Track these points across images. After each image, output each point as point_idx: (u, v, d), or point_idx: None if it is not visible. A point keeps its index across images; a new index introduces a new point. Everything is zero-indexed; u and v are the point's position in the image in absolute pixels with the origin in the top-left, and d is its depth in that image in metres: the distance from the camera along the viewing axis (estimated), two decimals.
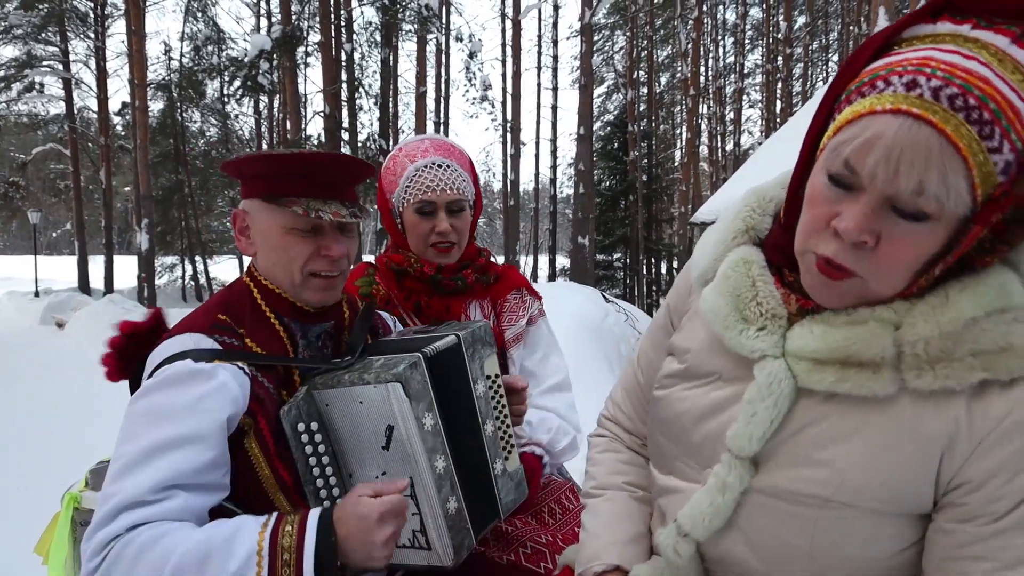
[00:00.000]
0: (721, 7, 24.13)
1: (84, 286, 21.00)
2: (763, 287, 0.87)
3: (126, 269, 23.28)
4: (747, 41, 25.65)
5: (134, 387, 1.23)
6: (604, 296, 6.32)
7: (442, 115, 20.98)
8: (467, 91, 20.63)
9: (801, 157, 0.82)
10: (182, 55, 21.53)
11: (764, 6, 23.53)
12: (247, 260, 1.32)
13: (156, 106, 21.26)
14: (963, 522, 0.76)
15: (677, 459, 0.97)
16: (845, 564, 0.81)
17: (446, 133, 21.76)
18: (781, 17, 21.27)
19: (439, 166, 1.59)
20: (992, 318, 0.72)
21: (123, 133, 23.73)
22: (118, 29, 23.83)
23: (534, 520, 1.49)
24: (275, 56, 13.98)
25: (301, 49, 15.94)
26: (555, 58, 22.04)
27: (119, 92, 29.50)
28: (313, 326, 1.29)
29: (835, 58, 27.03)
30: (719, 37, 24.46)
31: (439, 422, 1.16)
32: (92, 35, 20.71)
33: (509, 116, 20.45)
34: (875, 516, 0.79)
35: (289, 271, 1.22)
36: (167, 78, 21.20)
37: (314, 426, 1.16)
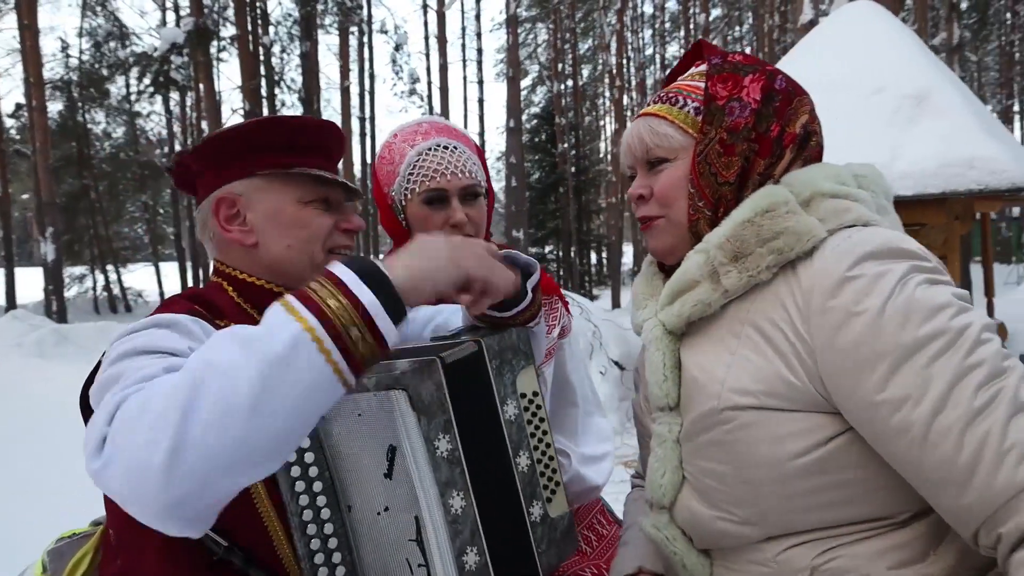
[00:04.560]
0: None
1: None
2: (651, 279, 1.13)
3: (30, 282, 21.68)
4: (666, 33, 26.11)
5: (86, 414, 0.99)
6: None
7: (367, 110, 20.44)
8: (395, 84, 20.16)
9: None
10: (81, 52, 20.22)
11: None
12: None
13: (55, 107, 19.87)
14: (865, 409, 0.86)
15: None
16: (769, 472, 0.90)
17: (372, 129, 21.20)
18: (699, 8, 21.71)
19: (445, 148, 1.36)
20: (764, 216, 0.94)
21: (19, 136, 22.04)
22: (8, 24, 22.12)
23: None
24: (186, 50, 13.22)
25: (215, 43, 15.15)
26: (479, 51, 21.80)
27: (12, 92, 27.50)
28: None
29: (747, 50, 27.92)
30: (639, 28, 24.79)
31: (458, 448, 0.92)
32: None
33: (438, 109, 20.09)
34: (766, 417, 0.90)
35: (309, 250, 1.09)
36: (66, 76, 19.82)
37: (305, 443, 0.95)
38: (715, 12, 24.76)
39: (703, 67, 1.07)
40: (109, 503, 1.02)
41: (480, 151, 1.47)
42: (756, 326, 0.94)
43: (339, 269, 0.79)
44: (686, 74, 1.10)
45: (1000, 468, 0.76)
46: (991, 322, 0.85)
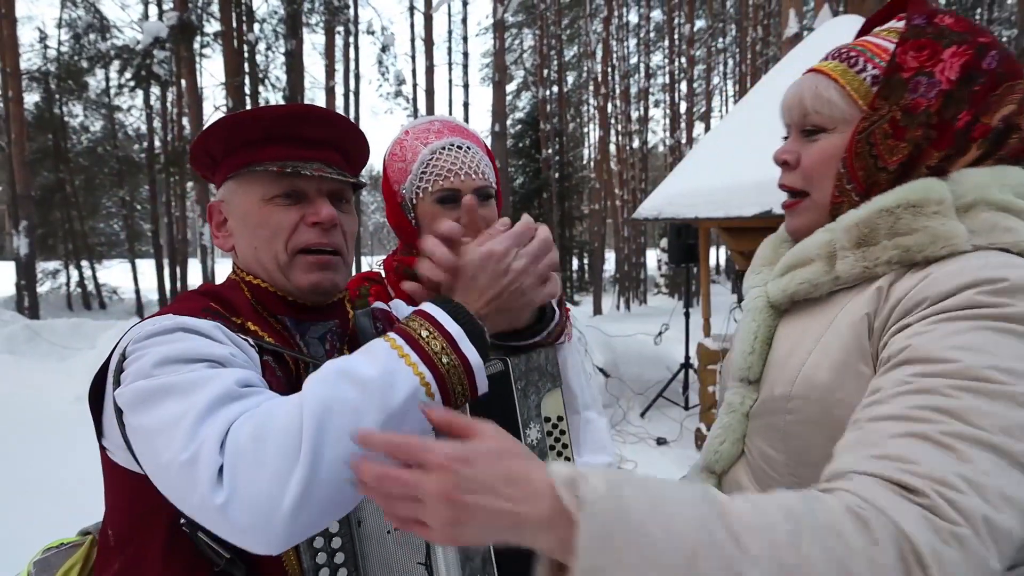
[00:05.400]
0: (624, 8, 24.59)
1: None
2: (779, 247, 1.05)
3: (2, 276, 21.22)
4: (650, 42, 26.29)
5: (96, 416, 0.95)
6: None
7: (352, 111, 20.29)
8: (380, 86, 20.03)
9: None
10: (60, 43, 19.85)
11: (666, 8, 24.17)
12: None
13: (31, 98, 19.47)
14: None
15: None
16: (816, 474, 0.82)
17: None
18: (683, 19, 21.90)
19: (459, 148, 1.34)
20: (908, 209, 0.83)
21: None
22: None
23: None
24: (169, 45, 13.04)
25: (198, 39, 14.97)
26: (465, 55, 21.78)
27: None
28: (312, 325, 1.06)
29: (730, 63, 28.19)
30: (624, 37, 24.94)
31: None
32: None
33: (423, 112, 20.02)
34: (832, 417, 0.84)
35: (273, 250, 1.00)
36: (44, 68, 19.45)
37: None
38: (699, 23, 24.99)
39: (903, 23, 0.91)
40: (110, 502, 0.98)
41: (490, 152, 1.44)
42: (850, 318, 0.86)
43: (448, 322, 0.82)
44: (883, 27, 0.94)
45: None
46: None
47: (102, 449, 0.96)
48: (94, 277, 22.30)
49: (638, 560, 0.58)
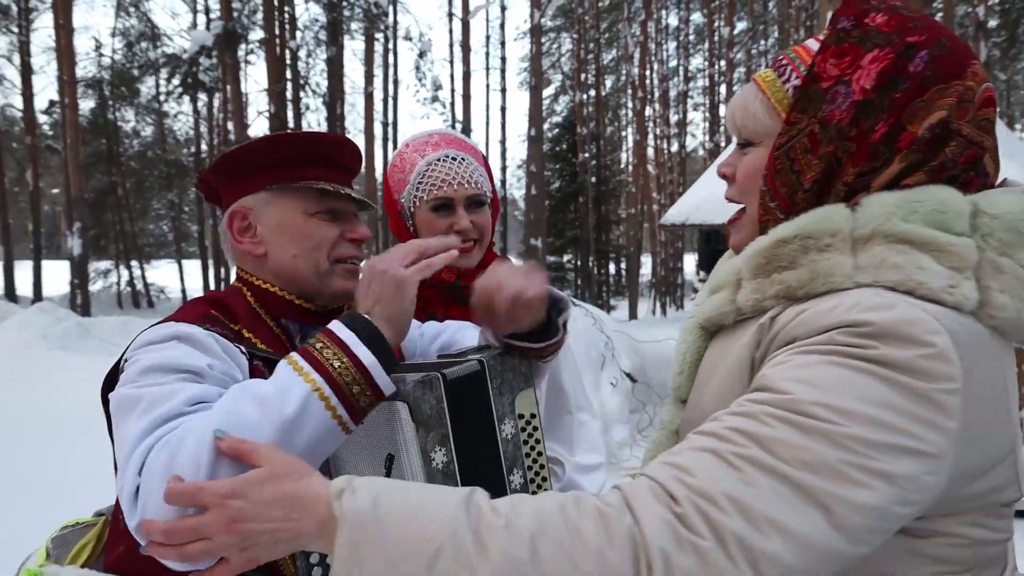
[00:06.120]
0: (664, 11, 24.45)
1: (11, 293, 19.81)
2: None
3: (56, 275, 22.10)
4: (690, 45, 26.08)
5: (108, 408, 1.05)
6: (571, 300, 6.22)
7: (391, 115, 20.62)
8: (417, 91, 20.33)
9: None
10: (114, 51, 20.64)
11: (706, 11, 23.97)
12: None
13: (87, 104, 20.29)
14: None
15: None
16: None
17: (395, 134, 21.40)
18: (723, 22, 21.69)
19: (453, 159, 1.43)
20: (804, 240, 0.78)
21: (51, 132, 22.52)
22: (44, 23, 22.58)
23: None
24: (215, 53, 13.46)
25: (243, 46, 15.40)
26: (503, 59, 21.94)
27: (46, 89, 28.09)
28: (312, 329, 1.14)
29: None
30: (663, 40, 24.79)
31: (453, 461, 0.97)
32: (15, 29, 19.56)
33: (460, 117, 20.23)
34: None
35: (315, 259, 1.13)
36: (98, 75, 20.24)
37: None
38: (740, 25, 24.71)
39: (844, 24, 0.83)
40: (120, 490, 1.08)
41: (487, 163, 1.53)
42: (739, 351, 0.83)
43: (340, 330, 0.90)
44: (825, 30, 0.86)
45: None
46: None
47: (112, 442, 1.07)
48: (143, 277, 23.08)
49: (383, 563, 0.66)
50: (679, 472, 0.68)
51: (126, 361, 0.99)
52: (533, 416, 1.11)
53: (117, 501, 1.11)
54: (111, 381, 1.04)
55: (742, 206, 0.92)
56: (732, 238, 0.95)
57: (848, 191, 0.81)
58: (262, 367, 1.06)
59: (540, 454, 1.13)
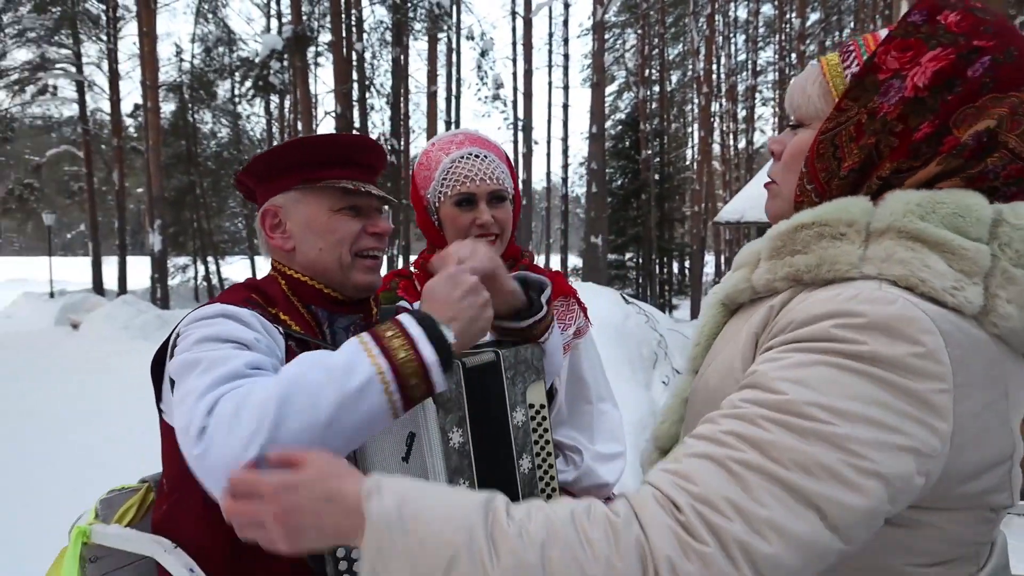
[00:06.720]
0: (733, 4, 23.91)
1: (98, 287, 21.08)
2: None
3: (139, 270, 23.37)
4: (759, 38, 25.41)
5: (157, 385, 1.17)
6: (624, 297, 6.19)
7: (453, 114, 20.89)
8: (479, 90, 20.52)
9: None
10: (193, 56, 21.63)
11: (776, 2, 23.29)
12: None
13: (168, 107, 21.35)
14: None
15: None
16: None
17: None
18: (794, 14, 21.02)
19: (476, 156, 1.49)
20: (820, 227, 0.80)
21: (135, 135, 23.82)
22: (130, 31, 23.90)
23: None
24: (285, 56, 13.95)
25: (312, 49, 15.90)
26: (566, 56, 21.90)
27: (131, 94, 29.77)
28: (341, 317, 1.27)
29: None
30: (731, 34, 24.23)
31: (468, 442, 1.06)
32: (104, 37, 20.79)
33: (521, 115, 20.33)
34: None
35: (338, 253, 1.22)
36: (178, 79, 21.27)
37: None
38: (813, 16, 23.89)
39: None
40: (165, 457, 1.19)
41: (509, 161, 1.59)
42: (749, 329, 0.85)
43: (411, 325, 0.96)
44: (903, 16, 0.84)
45: None
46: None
47: (160, 412, 1.17)
48: (218, 272, 24.10)
49: (405, 565, 0.69)
50: (680, 480, 0.70)
51: (178, 336, 1.08)
52: (543, 407, 1.19)
53: (163, 470, 1.22)
54: (160, 356, 1.15)
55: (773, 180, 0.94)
56: (767, 204, 0.97)
57: (881, 185, 0.81)
58: (296, 348, 1.14)
59: (548, 442, 1.19)
